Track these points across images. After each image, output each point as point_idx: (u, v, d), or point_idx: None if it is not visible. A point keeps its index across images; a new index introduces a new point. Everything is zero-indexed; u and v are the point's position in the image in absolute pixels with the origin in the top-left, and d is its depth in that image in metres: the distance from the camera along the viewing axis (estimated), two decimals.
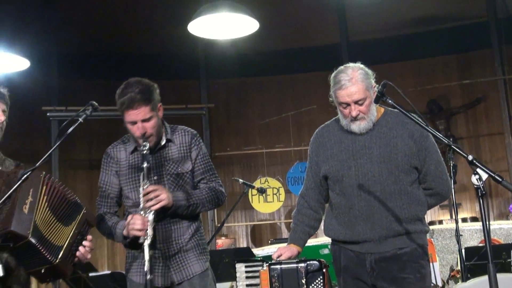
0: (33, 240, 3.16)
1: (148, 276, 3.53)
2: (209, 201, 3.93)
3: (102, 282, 6.97)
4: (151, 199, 3.65)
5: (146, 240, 3.62)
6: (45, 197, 3.32)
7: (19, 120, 11.10)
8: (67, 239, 3.38)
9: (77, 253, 3.42)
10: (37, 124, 10.92)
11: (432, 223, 10.12)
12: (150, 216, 3.65)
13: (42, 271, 3.31)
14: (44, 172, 3.35)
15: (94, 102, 3.35)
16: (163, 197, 3.68)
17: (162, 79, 12.29)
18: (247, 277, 4.39)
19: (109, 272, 7.25)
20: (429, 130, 3.35)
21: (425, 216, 3.93)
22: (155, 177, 3.86)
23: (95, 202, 4.01)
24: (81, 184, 11.97)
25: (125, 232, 3.72)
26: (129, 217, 3.70)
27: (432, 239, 4.38)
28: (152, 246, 3.72)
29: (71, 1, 10.27)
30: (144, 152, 3.72)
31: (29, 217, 3.19)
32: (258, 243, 12.01)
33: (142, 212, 3.67)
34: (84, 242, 3.46)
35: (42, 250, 3.21)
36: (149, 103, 3.74)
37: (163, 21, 10.72)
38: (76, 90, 11.10)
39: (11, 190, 3.06)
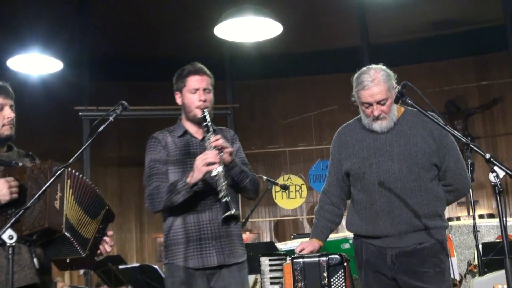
0: (67, 234, 3.18)
1: (227, 199, 3.49)
2: (253, 181, 3.87)
3: (131, 274, 6.99)
4: (218, 141, 3.62)
5: (219, 171, 3.54)
6: (71, 191, 3.32)
7: (52, 120, 11.24)
8: (93, 233, 3.40)
9: (100, 247, 3.45)
10: (70, 123, 11.00)
11: (450, 219, 10.06)
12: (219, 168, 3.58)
13: (68, 260, 3.33)
14: (66, 164, 3.32)
15: (124, 102, 3.33)
16: (229, 147, 3.68)
17: None
18: (270, 270, 4.40)
19: (138, 264, 7.28)
20: (448, 129, 3.33)
21: (444, 212, 3.91)
22: None
23: (144, 183, 3.88)
24: (111, 180, 12.05)
25: (190, 177, 3.61)
26: (197, 157, 3.61)
27: (450, 235, 4.35)
28: (201, 227, 3.73)
29: (102, 8, 10.34)
30: (204, 113, 3.76)
31: (61, 211, 3.20)
32: (281, 238, 12.02)
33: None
34: (105, 238, 3.48)
35: (74, 242, 3.23)
36: (210, 77, 3.94)
37: (190, 25, 10.74)
38: (107, 91, 11.16)
39: (45, 186, 3.05)
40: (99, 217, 3.46)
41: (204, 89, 3.84)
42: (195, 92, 3.82)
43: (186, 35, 11.13)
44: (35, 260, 3.26)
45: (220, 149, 3.62)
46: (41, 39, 8.66)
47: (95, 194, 3.48)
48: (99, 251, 3.44)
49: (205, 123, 3.74)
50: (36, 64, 9.16)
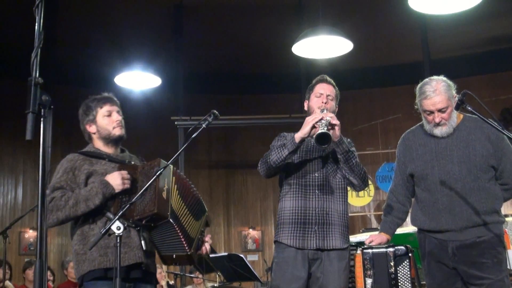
0: (171, 220, 3.25)
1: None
2: (359, 164, 3.82)
3: (220, 262, 7.06)
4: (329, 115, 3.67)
5: (326, 120, 3.60)
6: (176, 186, 3.40)
7: (152, 128, 11.48)
8: (196, 233, 3.46)
9: (202, 248, 3.51)
10: (167, 132, 11.21)
11: (506, 216, 9.75)
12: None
13: (174, 256, 3.39)
14: (172, 165, 3.43)
15: (215, 111, 3.36)
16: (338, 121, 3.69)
17: (270, 93, 12.52)
18: None
19: (226, 253, 7.34)
20: (505, 133, 3.26)
21: (501, 209, 3.82)
22: (320, 161, 3.87)
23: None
24: (202, 180, 12.20)
25: (297, 134, 3.67)
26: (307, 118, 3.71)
27: (506, 230, 4.23)
28: (308, 212, 3.75)
29: (195, 30, 10.50)
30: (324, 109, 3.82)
31: (167, 200, 3.28)
32: (351, 232, 11.87)
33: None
34: (205, 239, 3.55)
35: (179, 233, 3.29)
36: (335, 89, 4.08)
37: (271, 44, 10.80)
38: (198, 103, 11.31)
39: (151, 180, 3.14)
40: (201, 220, 3.53)
41: (328, 96, 3.96)
42: (320, 96, 3.96)
43: (267, 53, 11.19)
44: (142, 242, 3.34)
45: (331, 125, 3.63)
46: (143, 58, 8.86)
47: (197, 197, 3.56)
48: (199, 252, 3.50)
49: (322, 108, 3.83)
50: (139, 80, 9.36)
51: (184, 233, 3.33)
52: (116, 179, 3.37)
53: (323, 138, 3.51)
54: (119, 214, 3.05)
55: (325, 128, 3.54)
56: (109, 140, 3.63)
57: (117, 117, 3.63)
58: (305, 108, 4.03)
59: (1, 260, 6.73)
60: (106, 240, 3.23)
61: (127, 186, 3.36)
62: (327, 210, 3.78)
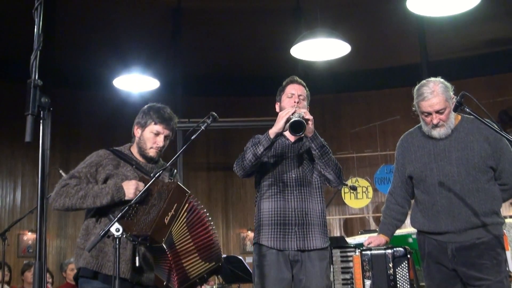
0: (165, 246, 3.24)
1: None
2: (334, 160, 3.86)
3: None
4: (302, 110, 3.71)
5: (298, 114, 3.64)
6: (185, 214, 3.37)
7: None
8: (196, 276, 3.41)
9: None
10: None
11: (504, 217, 9.75)
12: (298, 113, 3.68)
13: (164, 283, 3.38)
14: (189, 192, 3.41)
15: (214, 113, 3.36)
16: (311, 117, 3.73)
17: (269, 95, 12.47)
18: (341, 261, 4.39)
19: (225, 255, 7.33)
20: (503, 134, 3.26)
21: (500, 210, 3.81)
22: (295, 161, 3.89)
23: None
24: (201, 183, 12.20)
25: (271, 130, 3.70)
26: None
27: (505, 231, 4.22)
28: (287, 213, 3.74)
29: (193, 34, 10.51)
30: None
31: (168, 227, 3.27)
32: (350, 234, 11.91)
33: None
34: None
35: (172, 263, 3.27)
36: (305, 89, 4.07)
37: (269, 47, 10.81)
38: (197, 105, 11.32)
39: (143, 189, 3.18)
40: (208, 266, 3.46)
41: (299, 95, 3.98)
42: (291, 96, 3.95)
43: (265, 56, 11.19)
44: (136, 258, 3.30)
45: (304, 120, 3.67)
46: (141, 61, 8.84)
47: (212, 240, 3.48)
48: None
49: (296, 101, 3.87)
50: (137, 83, 9.34)
51: (179, 267, 3.31)
52: (130, 188, 3.38)
53: (298, 126, 3.58)
54: (118, 217, 3.05)
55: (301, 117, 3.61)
56: (142, 153, 3.64)
57: (161, 141, 3.62)
58: (277, 110, 4.01)
59: (0, 263, 6.71)
60: (102, 243, 3.26)
61: (138, 198, 3.31)
62: (306, 210, 3.77)
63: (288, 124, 3.57)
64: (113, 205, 3.38)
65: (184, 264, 3.34)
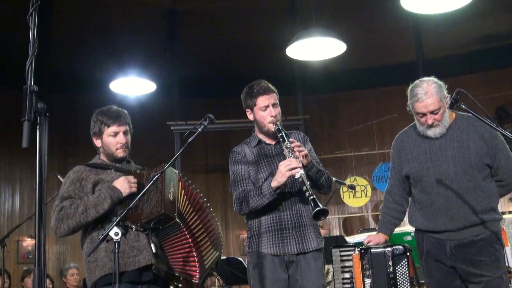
0: (178, 220, 3.31)
1: (312, 196, 3.41)
2: (327, 178, 3.82)
3: (219, 265, 7.02)
4: (299, 148, 3.62)
5: (302, 174, 3.50)
6: (183, 191, 3.47)
7: (147, 134, 11.46)
8: (211, 264, 3.50)
9: (207, 281, 3.54)
10: (163, 137, 11.21)
11: (502, 213, 9.76)
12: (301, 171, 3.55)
13: (180, 279, 3.43)
14: (177, 171, 3.49)
15: (211, 115, 3.36)
16: (305, 150, 3.66)
17: None
18: (341, 260, 4.39)
19: (224, 257, 7.32)
20: (499, 130, 3.27)
21: (498, 206, 3.82)
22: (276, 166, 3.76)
23: (230, 189, 3.86)
24: (199, 185, 12.18)
25: (274, 181, 3.60)
26: (280, 164, 3.61)
27: (504, 227, 4.23)
28: (283, 218, 3.72)
29: (188, 36, 10.52)
30: (277, 127, 3.73)
31: (174, 202, 3.32)
32: (349, 233, 11.91)
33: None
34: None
35: (188, 236, 3.35)
36: (275, 93, 3.86)
37: (265, 47, 10.82)
38: (194, 107, 11.32)
39: (151, 183, 3.14)
40: (215, 253, 3.58)
41: (273, 105, 3.80)
42: (266, 109, 3.79)
43: (261, 56, 11.20)
44: (152, 245, 3.34)
45: (300, 153, 3.61)
46: (138, 64, 8.86)
47: (207, 212, 3.61)
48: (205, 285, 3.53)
49: (280, 134, 3.72)
50: (134, 86, 9.35)
51: (197, 247, 3.37)
52: (123, 184, 3.44)
53: (321, 214, 3.43)
54: (116, 221, 3.04)
55: (310, 192, 3.44)
56: (112, 159, 3.67)
57: (121, 139, 3.65)
58: (250, 118, 3.94)
59: (0, 269, 6.71)
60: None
61: (134, 189, 3.42)
62: (301, 212, 3.76)
63: (312, 215, 3.46)
64: (112, 210, 3.39)
65: (201, 244, 3.43)
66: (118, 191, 3.41)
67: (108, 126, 3.64)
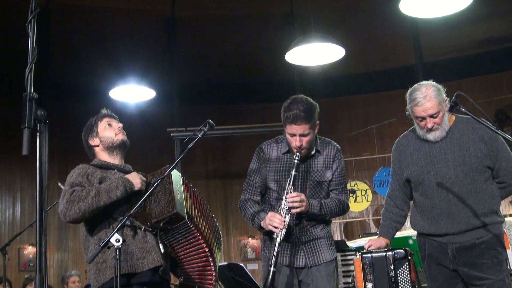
0: (187, 221, 3.34)
1: (272, 269, 3.47)
2: (336, 212, 3.83)
3: (221, 271, 7.01)
4: (295, 203, 3.61)
5: (278, 238, 3.56)
6: (188, 194, 3.53)
7: (148, 140, 11.47)
8: (217, 268, 3.54)
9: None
10: (163, 143, 11.21)
11: (504, 216, 9.75)
12: (287, 218, 3.60)
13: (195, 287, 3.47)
14: (180, 174, 3.54)
15: (211, 121, 3.35)
16: (304, 204, 3.64)
17: (265, 101, 12.51)
18: (342, 264, 4.39)
19: (226, 263, 7.31)
20: (499, 132, 3.26)
21: (500, 208, 3.81)
22: (300, 182, 3.78)
23: (242, 186, 4.01)
24: (200, 191, 11.87)
25: (262, 224, 3.71)
26: (270, 213, 3.68)
27: (505, 230, 4.22)
28: (291, 233, 3.73)
29: (187, 42, 10.54)
30: (296, 161, 3.65)
31: (183, 203, 3.37)
32: (350, 237, 11.90)
33: (281, 212, 3.61)
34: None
35: (197, 234, 3.40)
36: (309, 122, 3.65)
37: (264, 53, 10.83)
38: (194, 113, 11.32)
39: (155, 184, 3.16)
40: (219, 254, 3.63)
41: (301, 134, 3.66)
42: (292, 136, 3.70)
43: (260, 62, 11.21)
44: (160, 245, 3.35)
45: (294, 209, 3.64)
46: (137, 71, 8.85)
47: (210, 213, 3.71)
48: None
49: (294, 172, 3.67)
50: (133, 93, 9.34)
51: (209, 247, 3.40)
52: (135, 177, 3.48)
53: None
54: (118, 227, 3.04)
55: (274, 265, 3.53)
56: (113, 147, 3.68)
57: (117, 124, 3.74)
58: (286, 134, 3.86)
59: (1, 277, 6.70)
60: (124, 246, 3.20)
61: (144, 187, 3.44)
62: (310, 229, 3.81)
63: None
64: (119, 207, 3.41)
65: (213, 251, 3.49)
66: (131, 182, 3.43)
67: (101, 120, 3.73)
